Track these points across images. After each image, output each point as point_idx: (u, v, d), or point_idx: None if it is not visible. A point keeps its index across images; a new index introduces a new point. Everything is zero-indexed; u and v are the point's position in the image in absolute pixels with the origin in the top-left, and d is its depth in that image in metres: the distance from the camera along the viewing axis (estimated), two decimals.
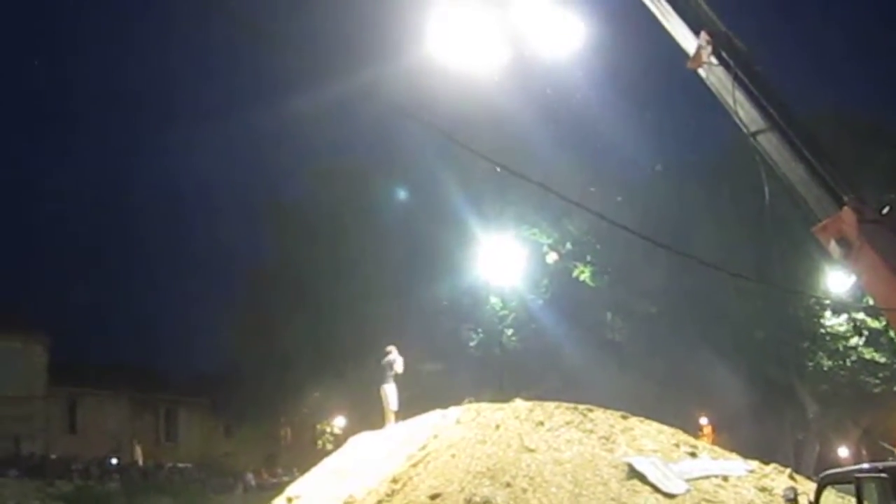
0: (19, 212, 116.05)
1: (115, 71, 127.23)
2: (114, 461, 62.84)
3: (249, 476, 63.39)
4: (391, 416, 27.07)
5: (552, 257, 52.44)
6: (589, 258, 52.73)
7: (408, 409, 27.12)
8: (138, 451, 65.60)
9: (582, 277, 52.56)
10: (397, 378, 27.86)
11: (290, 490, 24.29)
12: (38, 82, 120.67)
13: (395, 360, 27.96)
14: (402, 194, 55.07)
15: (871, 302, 21.99)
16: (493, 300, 52.57)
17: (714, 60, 15.72)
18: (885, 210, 14.87)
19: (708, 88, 16.12)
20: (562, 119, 47.73)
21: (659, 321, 52.52)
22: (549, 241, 52.41)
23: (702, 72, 16.04)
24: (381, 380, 27.87)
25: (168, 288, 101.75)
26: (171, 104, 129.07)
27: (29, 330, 66.13)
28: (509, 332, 53.15)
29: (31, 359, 66.18)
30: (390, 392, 27.56)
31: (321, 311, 54.42)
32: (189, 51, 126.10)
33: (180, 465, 64.73)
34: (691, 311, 50.93)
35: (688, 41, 16.12)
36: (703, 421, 53.47)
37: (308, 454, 49.33)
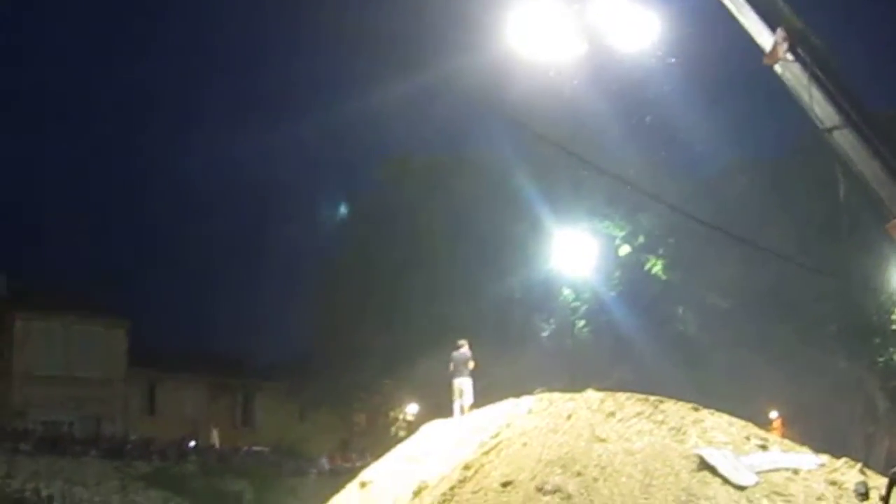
0: (104, 200, 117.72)
1: (192, 67, 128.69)
2: (191, 444, 63.71)
3: (324, 460, 63.94)
4: (465, 410, 27.20)
5: (625, 250, 52.42)
6: (661, 251, 52.64)
7: (481, 398, 27.31)
8: (215, 434, 66.33)
9: (654, 270, 52.49)
10: (472, 371, 28.07)
11: (364, 475, 24.60)
12: (127, 81, 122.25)
13: (469, 355, 28.15)
14: (474, 188, 55.17)
15: None
16: (566, 292, 52.65)
17: (790, 57, 15.71)
18: None
19: (783, 84, 16.13)
20: (636, 113, 47.65)
21: (730, 315, 52.33)
22: (622, 233, 52.38)
23: (778, 68, 16.02)
24: (453, 374, 28.05)
25: (246, 275, 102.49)
26: (249, 98, 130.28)
27: (110, 314, 67.22)
28: (581, 323, 53.23)
29: (113, 342, 67.25)
30: (465, 386, 27.75)
31: (395, 301, 54.80)
32: (267, 44, 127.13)
33: (256, 448, 65.43)
34: (762, 306, 50.72)
35: (764, 37, 16.11)
36: (773, 414, 53.18)
37: (381, 440, 49.69)
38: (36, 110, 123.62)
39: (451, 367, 28.28)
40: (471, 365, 27.93)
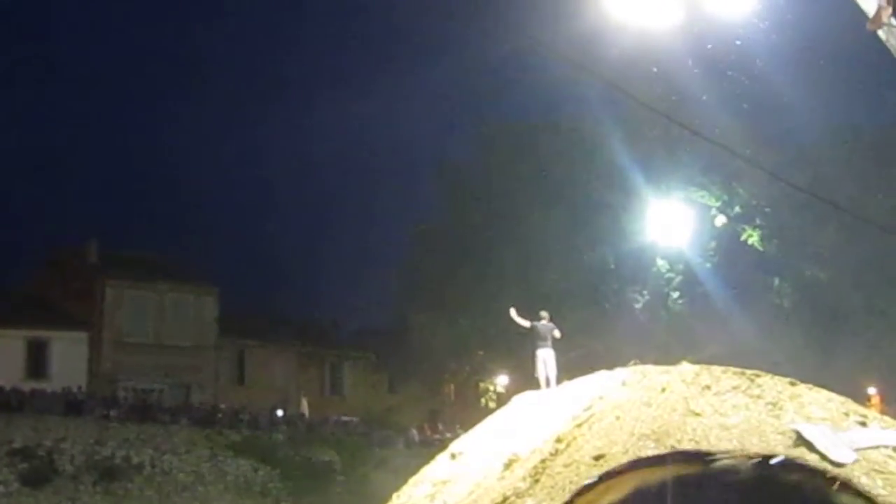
0: (195, 168, 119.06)
1: (292, 41, 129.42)
2: (280, 413, 64.07)
3: (413, 431, 64.03)
4: (550, 381, 26.97)
5: (720, 220, 51.89)
6: (758, 221, 52.01)
7: (573, 370, 27.05)
8: (305, 403, 66.66)
9: (750, 241, 51.92)
10: (556, 344, 27.80)
11: (454, 446, 24.47)
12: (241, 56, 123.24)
13: (552, 326, 27.87)
14: (567, 155, 54.77)
15: None
16: (660, 262, 52.27)
17: (894, 21, 15.32)
18: None
19: (888, 50, 15.72)
20: (733, 80, 46.98)
21: (828, 288, 51.60)
22: (718, 203, 51.85)
23: (881, 33, 15.65)
24: (536, 344, 27.79)
25: (336, 242, 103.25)
26: (346, 65, 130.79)
27: (200, 281, 67.74)
28: (675, 294, 52.81)
29: (203, 310, 67.74)
30: (549, 357, 27.47)
31: (486, 270, 54.61)
32: (362, 13, 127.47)
33: (344, 418, 65.68)
34: (861, 278, 49.94)
35: (867, 2, 15.74)
36: (872, 391, 52.35)
37: (471, 412, 49.63)
38: (128, 78, 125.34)
39: (535, 336, 27.98)
40: (557, 334, 27.66)
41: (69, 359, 61.46)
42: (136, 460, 51.89)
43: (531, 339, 28.03)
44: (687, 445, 19.20)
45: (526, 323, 28.06)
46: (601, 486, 18.18)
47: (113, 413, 55.97)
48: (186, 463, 52.85)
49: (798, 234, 51.05)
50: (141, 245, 68.07)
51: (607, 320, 52.65)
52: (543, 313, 28.14)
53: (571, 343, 29.28)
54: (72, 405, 55.59)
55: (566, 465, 19.59)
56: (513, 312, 28.08)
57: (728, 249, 52.36)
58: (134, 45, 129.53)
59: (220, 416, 60.12)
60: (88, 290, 64.42)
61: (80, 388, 59.13)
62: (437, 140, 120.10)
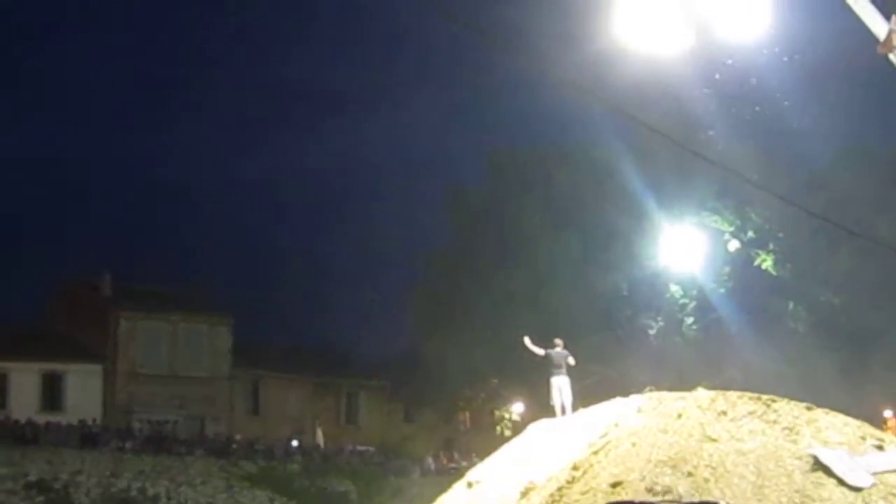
0: (206, 197, 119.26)
1: (296, 60, 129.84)
2: (295, 443, 63.95)
3: (429, 460, 63.85)
4: (566, 408, 26.97)
5: (734, 245, 51.85)
6: (771, 246, 51.99)
7: (588, 397, 27.05)
8: (319, 433, 66.53)
9: (764, 266, 51.89)
10: (570, 371, 27.80)
11: (471, 475, 24.47)
12: (241, 81, 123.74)
13: (566, 353, 27.89)
14: (579, 181, 54.78)
15: None
16: (674, 288, 52.23)
17: None
18: None
19: None
20: (745, 105, 47.02)
21: (842, 311, 51.52)
22: (731, 228, 51.81)
23: (892, 57, 15.66)
24: (551, 372, 27.77)
25: (349, 271, 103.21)
26: (353, 89, 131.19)
27: (214, 311, 67.71)
28: (689, 320, 52.75)
29: (217, 340, 67.58)
30: (564, 384, 27.46)
31: (499, 297, 54.56)
32: (369, 35, 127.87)
33: (360, 447, 65.44)
34: (875, 301, 49.84)
35: (878, 25, 15.74)
36: (888, 413, 52.14)
37: (487, 440, 49.49)
38: (138, 105, 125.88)
39: (549, 363, 27.97)
40: (571, 361, 27.68)
41: (84, 391, 61.49)
42: (151, 492, 51.79)
43: (545, 367, 28.02)
44: (704, 472, 19.19)
45: (540, 351, 28.09)
46: None
47: (128, 445, 55.89)
48: (202, 494, 52.70)
49: (812, 257, 51.02)
50: (154, 276, 68.09)
51: (621, 347, 52.58)
52: (557, 340, 28.15)
53: (585, 370, 29.29)
54: (87, 437, 55.58)
55: (583, 493, 19.60)
56: (527, 341, 28.14)
57: (742, 274, 52.31)
58: (145, 74, 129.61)
59: (235, 446, 60.01)
60: (102, 322, 64.41)
61: (94, 420, 59.07)
62: (451, 167, 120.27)
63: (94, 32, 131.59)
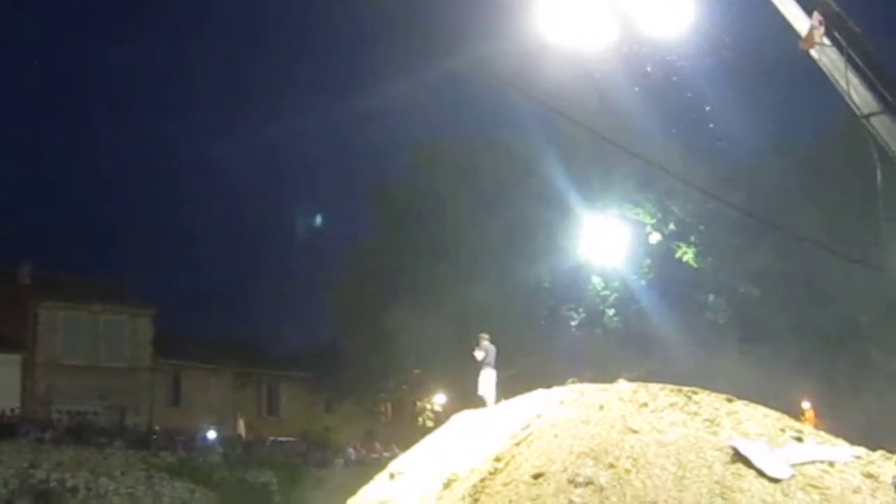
0: (129, 187, 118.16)
1: (226, 53, 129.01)
2: (213, 434, 63.54)
3: (351, 451, 63.77)
4: (489, 403, 27.13)
5: (655, 237, 52.21)
6: (692, 239, 52.40)
7: (510, 389, 27.12)
8: (241, 424, 66.20)
9: (685, 258, 52.31)
10: (495, 364, 27.97)
11: (393, 466, 24.42)
12: (158, 65, 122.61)
13: (491, 348, 28.08)
14: (503, 174, 54.88)
15: None
16: (595, 280, 52.51)
17: (827, 41, 15.48)
18: None
19: (819, 69, 15.88)
20: (668, 99, 47.30)
21: (762, 304, 52.02)
22: (653, 221, 52.16)
23: (814, 53, 15.81)
24: (483, 365, 27.94)
25: (271, 264, 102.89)
26: (280, 84, 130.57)
27: (135, 303, 67.17)
28: (611, 312, 53.05)
29: (138, 331, 67.18)
30: (493, 377, 27.64)
31: (422, 290, 54.56)
32: (296, 32, 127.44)
33: (281, 438, 65.28)
34: (794, 294, 50.40)
35: (800, 21, 15.89)
36: (806, 405, 52.77)
37: (408, 431, 49.54)
38: (64, 95, 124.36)
39: (482, 358, 28.14)
40: (491, 356, 27.92)
41: (2, 381, 60.56)
42: (70, 483, 51.18)
43: (482, 362, 28.22)
44: (625, 463, 19.28)
45: (481, 353, 28.25)
46: None
47: (47, 436, 55.25)
48: (122, 485, 52.19)
49: (732, 251, 51.48)
50: (76, 266, 67.39)
51: (543, 338, 52.78)
52: (485, 334, 28.30)
53: (508, 361, 29.31)
54: (5, 428, 54.88)
55: (505, 484, 19.60)
56: (477, 355, 28.29)
57: (663, 267, 52.69)
58: (62, 59, 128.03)
59: (155, 437, 59.65)
60: (21, 312, 63.63)
61: (13, 410, 58.36)
62: (375, 159, 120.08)
63: None
